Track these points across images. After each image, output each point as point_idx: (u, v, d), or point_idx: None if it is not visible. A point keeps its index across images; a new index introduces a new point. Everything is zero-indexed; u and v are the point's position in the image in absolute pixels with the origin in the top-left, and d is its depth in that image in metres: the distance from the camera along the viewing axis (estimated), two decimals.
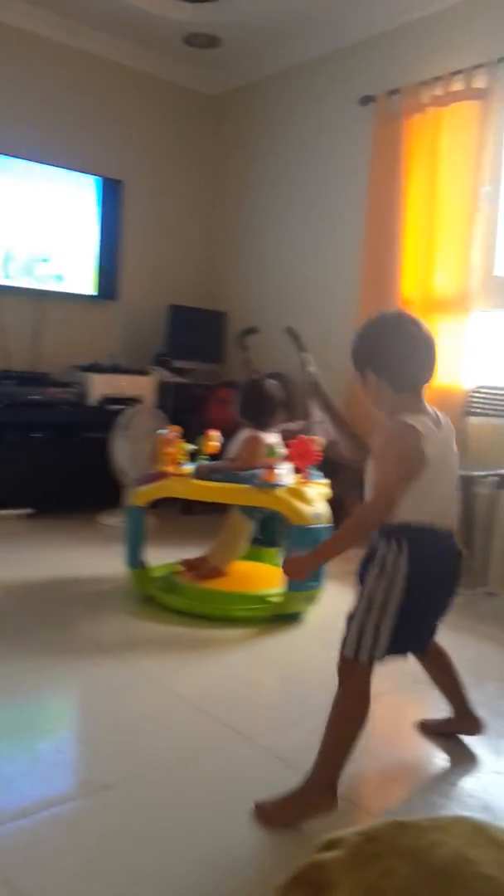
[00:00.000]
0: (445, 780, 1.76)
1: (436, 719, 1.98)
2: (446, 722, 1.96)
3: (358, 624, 1.64)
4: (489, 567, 3.18)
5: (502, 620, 2.93)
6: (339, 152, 4.39)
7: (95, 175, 4.57)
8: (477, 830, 0.57)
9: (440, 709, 2.00)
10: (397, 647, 1.65)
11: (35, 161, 4.30)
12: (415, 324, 1.69)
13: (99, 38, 4.57)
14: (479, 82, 3.56)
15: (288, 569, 1.80)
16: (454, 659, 2.38)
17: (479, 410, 3.60)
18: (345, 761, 1.60)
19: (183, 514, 4.28)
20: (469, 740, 1.93)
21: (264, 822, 1.52)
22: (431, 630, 1.81)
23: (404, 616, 1.61)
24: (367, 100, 4.10)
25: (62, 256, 4.49)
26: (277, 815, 1.53)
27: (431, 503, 1.65)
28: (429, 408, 1.70)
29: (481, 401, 3.60)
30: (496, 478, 3.12)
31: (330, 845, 0.55)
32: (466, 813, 1.60)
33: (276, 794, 1.57)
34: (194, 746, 1.80)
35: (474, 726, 1.92)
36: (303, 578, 1.78)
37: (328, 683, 1.67)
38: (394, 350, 1.67)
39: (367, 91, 4.10)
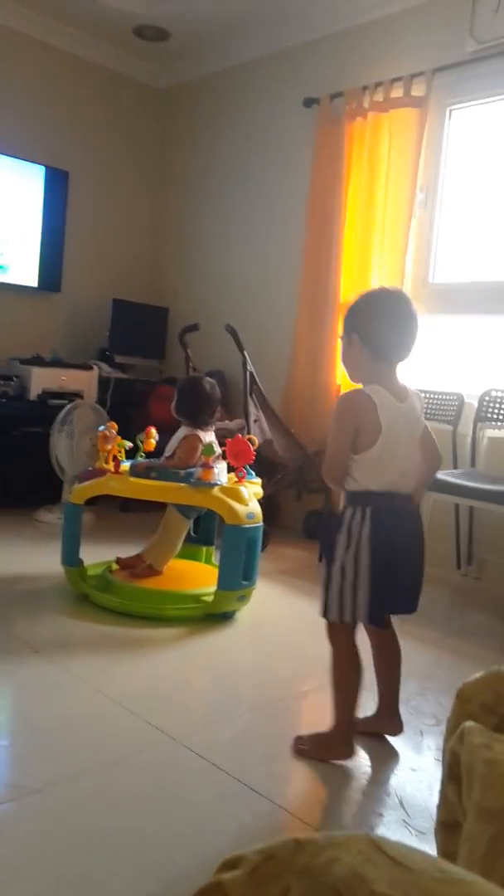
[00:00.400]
0: (364, 778, 1.82)
1: (357, 718, 2.04)
2: (368, 720, 2.02)
3: (337, 589, 1.79)
4: None
5: (423, 618, 3.00)
6: (283, 152, 4.43)
7: (41, 164, 4.52)
8: (373, 847, 0.60)
9: (363, 708, 2.07)
10: (380, 606, 1.80)
11: None
12: (408, 305, 1.83)
13: (48, 25, 4.51)
14: (418, 90, 3.64)
15: None
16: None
17: None
18: (352, 713, 1.87)
19: (122, 511, 4.28)
20: (389, 737, 2.00)
21: (298, 753, 1.85)
22: (409, 592, 1.87)
23: (377, 575, 1.76)
24: (310, 102, 4.15)
25: (6, 246, 4.43)
26: (308, 750, 1.85)
27: (391, 470, 1.78)
28: (398, 381, 1.85)
29: None
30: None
31: (231, 864, 0.58)
32: (381, 809, 1.67)
33: (313, 731, 1.90)
34: (123, 748, 1.83)
35: (394, 728, 1.99)
36: None
37: (260, 683, 1.72)
38: (385, 323, 1.81)
39: (310, 93, 4.15)
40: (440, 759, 1.89)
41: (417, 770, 1.87)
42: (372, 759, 1.91)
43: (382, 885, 0.54)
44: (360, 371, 1.85)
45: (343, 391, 3.85)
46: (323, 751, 1.86)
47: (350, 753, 1.85)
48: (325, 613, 1.83)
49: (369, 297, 1.88)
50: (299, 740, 1.89)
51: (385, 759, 1.92)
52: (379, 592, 1.77)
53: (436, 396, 3.63)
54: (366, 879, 0.55)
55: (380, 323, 1.81)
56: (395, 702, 2.00)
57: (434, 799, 1.50)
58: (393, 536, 1.78)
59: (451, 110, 3.74)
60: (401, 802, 1.71)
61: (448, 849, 0.90)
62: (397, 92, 3.73)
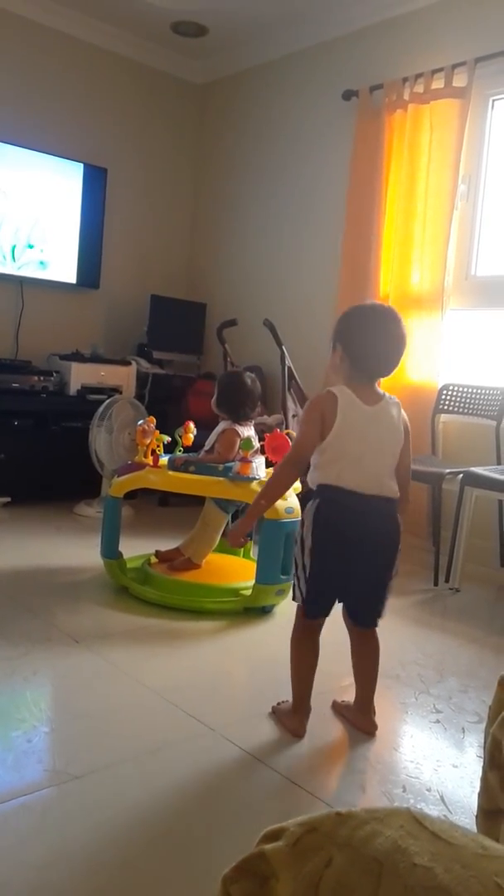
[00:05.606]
0: (405, 773, 1.80)
1: (346, 702, 2.07)
2: (348, 707, 2.05)
3: (294, 573, 1.92)
4: (455, 563, 3.23)
5: (466, 616, 2.98)
6: (322, 146, 4.41)
7: (80, 162, 4.56)
8: (415, 822, 0.60)
9: (405, 703, 2.04)
10: (316, 600, 1.89)
11: (20, 146, 4.29)
12: (395, 322, 1.85)
13: (87, 23, 4.55)
14: (459, 81, 3.59)
15: (231, 539, 2.13)
16: (417, 654, 2.44)
17: (448, 408, 3.65)
18: (304, 694, 1.93)
19: (160, 505, 4.30)
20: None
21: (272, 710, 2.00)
22: (362, 599, 1.93)
23: (314, 566, 1.84)
24: (349, 94, 4.12)
25: (47, 243, 4.48)
26: (274, 712, 2.00)
27: (340, 465, 1.82)
28: (376, 390, 1.88)
29: (451, 398, 3.64)
30: (463, 474, 3.16)
31: (273, 836, 0.58)
32: (422, 805, 1.65)
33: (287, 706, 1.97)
34: (162, 738, 1.84)
35: (365, 726, 1.98)
36: (242, 541, 2.23)
37: None
38: (368, 341, 1.85)
39: (350, 86, 4.12)
40: (482, 756, 1.86)
41: (459, 766, 1.84)
42: (414, 754, 1.89)
43: (424, 859, 0.54)
44: (342, 379, 1.89)
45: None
46: (281, 716, 1.96)
47: (296, 731, 1.89)
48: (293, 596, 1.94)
49: (357, 311, 1.91)
50: (279, 704, 2.01)
51: (424, 754, 1.89)
52: (315, 586, 1.85)
53: (478, 391, 3.58)
54: (407, 853, 0.54)
55: (362, 338, 1.85)
56: (368, 701, 2.00)
57: (476, 796, 1.48)
58: (337, 532, 1.82)
59: (493, 100, 3.69)
60: (442, 798, 1.69)
61: (489, 835, 0.88)
62: (438, 83, 3.68)
